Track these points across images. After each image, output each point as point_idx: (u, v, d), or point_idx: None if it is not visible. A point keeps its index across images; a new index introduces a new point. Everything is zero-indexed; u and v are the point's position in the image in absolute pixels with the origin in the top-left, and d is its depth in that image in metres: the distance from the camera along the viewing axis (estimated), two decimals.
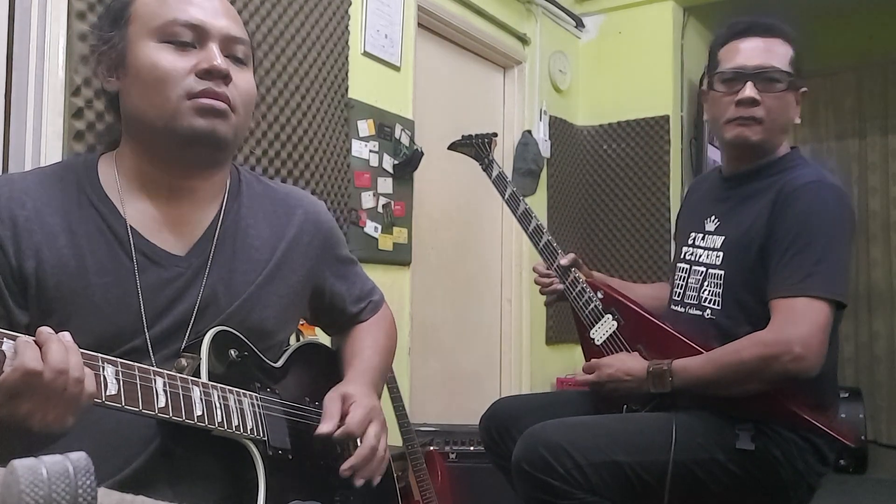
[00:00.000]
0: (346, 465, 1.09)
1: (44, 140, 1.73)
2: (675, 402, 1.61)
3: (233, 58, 1.07)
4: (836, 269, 1.50)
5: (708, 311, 1.67)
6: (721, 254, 1.66)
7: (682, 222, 1.91)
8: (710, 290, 1.67)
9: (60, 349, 0.81)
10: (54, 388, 0.79)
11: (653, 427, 1.58)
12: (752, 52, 1.64)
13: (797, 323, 1.48)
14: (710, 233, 1.72)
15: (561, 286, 1.86)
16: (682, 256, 1.79)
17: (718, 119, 1.69)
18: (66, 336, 0.84)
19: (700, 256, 1.72)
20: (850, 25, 5.01)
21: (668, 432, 1.54)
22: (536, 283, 1.96)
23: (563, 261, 1.87)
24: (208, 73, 1.02)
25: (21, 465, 0.46)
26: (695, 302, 1.70)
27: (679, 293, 1.76)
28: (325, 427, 1.10)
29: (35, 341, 0.81)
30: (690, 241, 1.77)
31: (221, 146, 1.07)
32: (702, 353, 1.59)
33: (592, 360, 1.76)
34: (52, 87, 1.75)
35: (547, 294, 1.94)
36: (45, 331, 0.82)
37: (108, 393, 0.85)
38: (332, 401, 1.14)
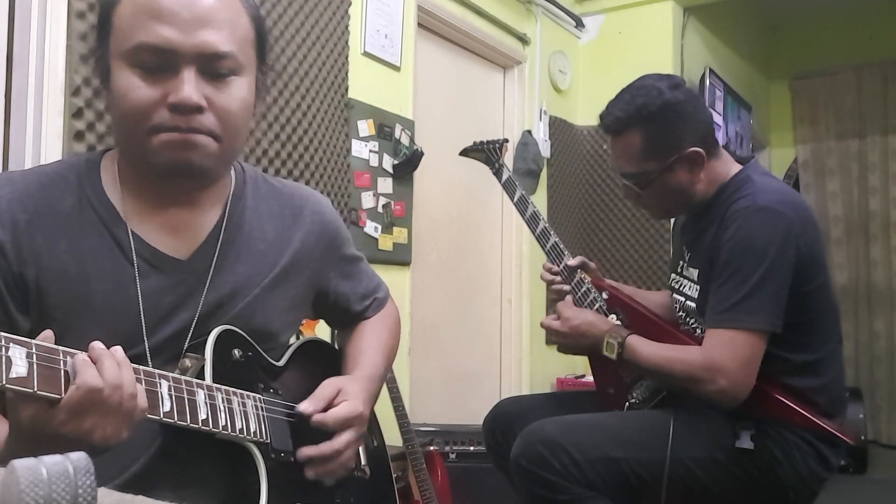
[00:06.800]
0: (304, 451, 1.06)
1: (44, 140, 1.73)
2: (677, 400, 1.61)
3: (215, 75, 0.98)
4: (764, 298, 1.49)
5: (697, 332, 1.69)
6: (698, 288, 1.68)
7: (675, 242, 1.91)
8: (696, 321, 1.70)
9: (114, 365, 0.83)
10: (112, 403, 0.82)
11: (651, 424, 1.59)
12: (614, 159, 1.72)
13: (723, 354, 1.49)
14: (689, 264, 1.74)
15: (567, 288, 1.85)
16: (671, 283, 1.82)
17: None
18: (118, 352, 0.85)
19: (684, 287, 1.75)
20: (850, 25, 5.02)
21: (666, 430, 1.54)
22: (542, 278, 1.94)
23: (572, 262, 1.85)
24: (176, 108, 0.95)
25: (21, 465, 0.46)
26: (686, 325, 1.75)
27: (676, 313, 1.80)
28: (306, 406, 1.07)
29: (90, 357, 0.83)
30: (679, 270, 1.80)
31: (200, 175, 1.02)
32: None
33: (559, 305, 1.78)
34: (52, 87, 1.75)
35: (552, 293, 1.91)
36: (97, 347, 0.84)
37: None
38: (327, 386, 1.12)
